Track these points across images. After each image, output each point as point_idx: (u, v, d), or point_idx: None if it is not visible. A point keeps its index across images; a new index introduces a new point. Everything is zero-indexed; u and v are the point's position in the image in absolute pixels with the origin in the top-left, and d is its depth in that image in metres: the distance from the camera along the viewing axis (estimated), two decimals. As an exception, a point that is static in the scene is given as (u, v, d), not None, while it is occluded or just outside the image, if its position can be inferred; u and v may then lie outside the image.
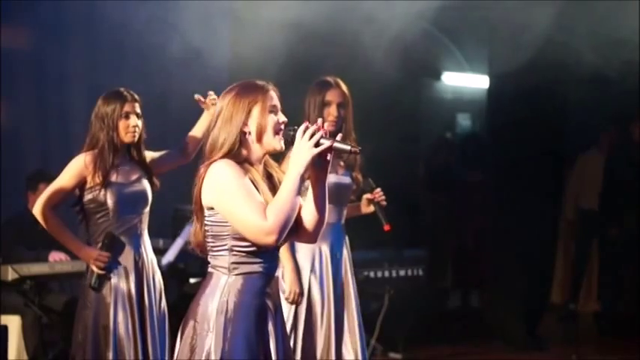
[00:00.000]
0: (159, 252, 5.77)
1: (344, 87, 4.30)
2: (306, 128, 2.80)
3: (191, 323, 2.88)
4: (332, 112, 4.21)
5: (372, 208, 4.27)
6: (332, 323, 4.16)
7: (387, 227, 4.20)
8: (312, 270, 4.21)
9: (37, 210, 4.14)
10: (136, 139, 4.19)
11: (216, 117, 2.89)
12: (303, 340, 4.14)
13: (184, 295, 6.06)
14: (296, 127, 2.85)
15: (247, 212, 2.75)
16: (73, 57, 7.01)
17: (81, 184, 4.13)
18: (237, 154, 2.86)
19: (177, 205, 6.68)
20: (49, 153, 6.79)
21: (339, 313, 4.21)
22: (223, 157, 2.84)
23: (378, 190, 4.25)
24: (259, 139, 2.87)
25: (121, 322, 4.09)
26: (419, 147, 8.65)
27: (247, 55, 6.08)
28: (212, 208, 2.83)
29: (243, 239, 2.81)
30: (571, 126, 7.75)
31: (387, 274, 6.48)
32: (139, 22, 6.55)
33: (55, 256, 5.54)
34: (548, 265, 7.76)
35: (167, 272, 5.76)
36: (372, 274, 6.35)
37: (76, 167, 4.12)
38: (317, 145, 2.78)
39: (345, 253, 4.33)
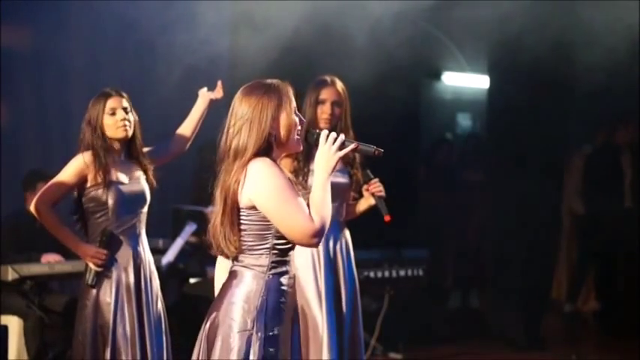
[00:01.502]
0: (159, 252, 5.78)
1: (340, 85, 4.31)
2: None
3: (227, 322, 2.84)
4: (325, 110, 4.24)
5: (372, 200, 4.26)
6: (326, 321, 4.13)
7: (387, 218, 4.15)
8: (313, 269, 4.19)
9: (34, 207, 4.13)
10: (130, 133, 4.17)
11: (239, 119, 2.84)
12: None
13: (184, 295, 6.07)
14: (318, 131, 2.92)
15: (297, 213, 2.76)
16: (73, 57, 7.01)
17: (81, 183, 4.12)
18: (267, 155, 2.85)
19: (177, 205, 6.69)
20: (49, 153, 6.78)
21: (334, 310, 4.18)
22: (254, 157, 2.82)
23: (375, 180, 4.25)
24: (286, 141, 2.90)
25: (119, 322, 4.08)
26: (419, 147, 8.65)
27: (248, 51, 6.08)
28: (253, 207, 2.82)
29: (283, 237, 2.83)
30: (571, 126, 7.75)
31: (387, 274, 6.47)
32: (139, 22, 6.55)
33: (49, 257, 5.53)
34: (549, 265, 7.76)
35: (167, 272, 5.76)
36: (372, 274, 6.35)
37: (77, 166, 4.11)
38: (341, 147, 2.86)
39: (339, 248, 4.29)
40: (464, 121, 10.35)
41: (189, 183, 7.62)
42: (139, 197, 4.20)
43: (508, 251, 7.26)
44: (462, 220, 8.08)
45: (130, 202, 4.16)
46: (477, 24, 6.95)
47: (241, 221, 2.85)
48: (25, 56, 6.82)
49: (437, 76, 9.63)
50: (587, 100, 7.56)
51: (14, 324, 5.54)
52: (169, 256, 5.96)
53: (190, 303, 6.15)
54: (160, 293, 4.29)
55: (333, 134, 2.88)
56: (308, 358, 4.17)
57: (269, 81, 2.92)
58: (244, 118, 2.84)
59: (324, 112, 4.24)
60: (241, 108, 2.86)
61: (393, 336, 6.62)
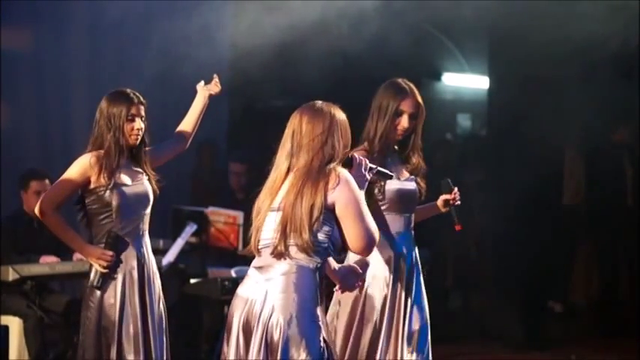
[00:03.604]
0: (159, 252, 5.77)
1: (418, 95, 4.02)
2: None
3: (300, 314, 3.05)
4: (403, 122, 3.95)
5: (444, 209, 4.15)
6: (383, 329, 3.90)
7: (458, 227, 4.11)
8: (386, 279, 3.91)
9: (38, 209, 4.12)
10: (139, 142, 4.17)
11: (318, 135, 3.10)
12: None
13: (184, 295, 6.07)
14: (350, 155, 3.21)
15: (371, 223, 3.11)
16: (73, 57, 7.01)
17: (85, 184, 4.11)
18: None
19: (177, 205, 6.69)
20: (49, 153, 6.79)
21: (399, 320, 3.98)
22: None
23: (456, 190, 4.12)
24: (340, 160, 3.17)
25: (124, 323, 4.08)
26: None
27: (248, 50, 6.08)
28: (330, 210, 3.07)
29: (334, 243, 3.12)
30: (571, 125, 7.76)
31: (387, 274, 6.46)
32: (138, 22, 6.55)
33: (47, 259, 5.52)
34: (549, 265, 7.76)
35: (167, 272, 5.76)
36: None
37: (82, 167, 4.09)
38: (369, 169, 3.25)
39: (414, 261, 4.01)
40: (464, 121, 10.35)
41: (189, 183, 7.63)
42: (143, 199, 4.19)
43: (508, 251, 7.25)
44: (462, 221, 8.07)
45: (134, 204, 4.15)
46: (476, 24, 6.96)
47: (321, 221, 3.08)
48: (25, 56, 6.82)
49: (437, 76, 9.63)
50: (587, 100, 7.56)
51: (15, 324, 5.54)
52: (170, 257, 5.96)
53: (190, 303, 6.15)
54: (161, 294, 4.29)
55: (360, 157, 3.23)
56: None
57: (333, 105, 3.20)
58: (322, 135, 3.11)
59: (400, 125, 3.94)
60: (316, 126, 3.12)
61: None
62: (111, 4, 6.58)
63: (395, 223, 3.89)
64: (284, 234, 3.06)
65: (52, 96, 6.97)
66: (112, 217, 4.10)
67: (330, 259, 3.33)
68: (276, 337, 3.02)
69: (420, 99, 4.01)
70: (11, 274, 5.31)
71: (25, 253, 5.59)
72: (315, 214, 3.04)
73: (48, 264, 5.50)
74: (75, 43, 7.01)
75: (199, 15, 6.35)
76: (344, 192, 3.06)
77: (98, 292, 4.09)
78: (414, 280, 4.04)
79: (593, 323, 7.90)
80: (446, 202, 4.14)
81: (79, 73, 7.00)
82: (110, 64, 6.98)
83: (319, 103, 3.18)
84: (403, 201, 3.94)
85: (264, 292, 3.08)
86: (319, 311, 3.09)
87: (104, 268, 4.07)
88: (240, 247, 6.26)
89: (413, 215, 4.03)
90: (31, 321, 5.46)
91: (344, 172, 3.09)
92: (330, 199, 3.06)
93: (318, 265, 3.10)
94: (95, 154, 4.10)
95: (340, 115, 3.17)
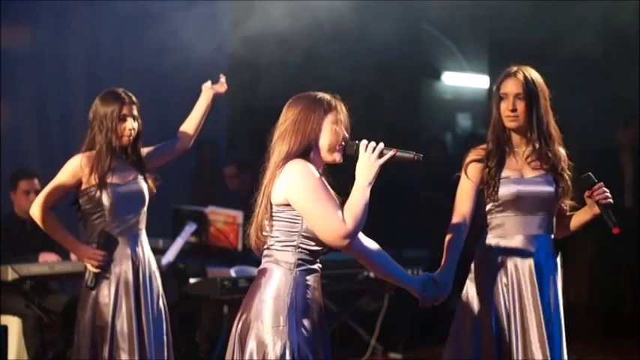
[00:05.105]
0: (159, 252, 5.77)
1: (523, 75, 3.57)
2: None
3: (260, 319, 2.92)
4: (507, 106, 3.55)
5: (596, 209, 3.50)
6: (514, 338, 3.70)
7: (615, 230, 3.44)
8: (503, 282, 3.87)
9: (34, 210, 4.14)
10: (131, 141, 4.17)
11: (284, 122, 2.96)
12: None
13: (184, 295, 6.07)
14: (358, 142, 2.99)
15: (328, 213, 2.86)
16: (73, 57, 7.01)
17: (77, 186, 4.13)
18: (307, 161, 2.97)
19: (177, 205, 6.70)
20: (49, 153, 6.78)
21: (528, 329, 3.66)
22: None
23: (599, 185, 3.45)
24: (326, 151, 3.00)
25: (117, 323, 4.08)
26: (419, 147, 8.63)
27: (248, 49, 6.08)
28: (286, 205, 2.92)
29: (311, 239, 2.94)
30: (571, 125, 7.75)
31: (387, 274, 6.47)
32: (138, 22, 6.55)
33: (46, 257, 5.53)
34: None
35: (167, 272, 5.76)
36: (372, 274, 6.33)
37: (72, 168, 4.12)
38: (380, 156, 2.96)
39: (553, 272, 3.69)
40: (464, 120, 10.34)
41: (189, 183, 7.63)
42: (136, 198, 4.19)
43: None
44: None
45: (127, 203, 4.16)
46: (476, 24, 6.96)
47: (274, 216, 2.95)
48: (25, 56, 6.82)
49: (437, 76, 9.63)
50: (587, 100, 7.56)
51: (14, 324, 5.53)
52: (169, 256, 5.96)
53: (190, 303, 6.15)
54: (161, 293, 4.29)
55: (372, 144, 2.96)
56: None
57: (319, 94, 3.03)
58: (289, 122, 2.96)
59: (505, 110, 3.55)
60: (288, 112, 2.99)
61: (393, 336, 6.62)
62: (111, 3, 6.59)
63: (525, 224, 3.58)
64: (255, 232, 3.00)
65: (52, 96, 6.97)
66: (104, 217, 4.11)
67: (400, 270, 3.22)
68: (243, 338, 2.94)
69: (525, 78, 3.57)
70: (10, 274, 5.31)
71: (20, 252, 5.58)
72: (261, 210, 2.95)
73: (47, 264, 5.50)
74: (75, 43, 7.01)
75: (199, 14, 6.36)
76: (290, 186, 2.89)
77: (93, 292, 4.11)
78: (553, 287, 3.67)
79: (593, 323, 7.89)
80: (594, 201, 3.50)
81: (79, 73, 7.01)
82: (110, 64, 6.99)
83: (313, 92, 3.03)
84: (524, 203, 3.56)
85: (247, 294, 3.03)
86: (289, 315, 2.91)
87: (96, 267, 4.09)
88: (240, 246, 6.26)
89: (553, 218, 3.63)
90: (30, 321, 5.46)
91: (291, 165, 2.90)
92: (279, 194, 2.91)
93: (293, 266, 2.95)
94: (86, 154, 4.12)
95: (326, 100, 2.98)
